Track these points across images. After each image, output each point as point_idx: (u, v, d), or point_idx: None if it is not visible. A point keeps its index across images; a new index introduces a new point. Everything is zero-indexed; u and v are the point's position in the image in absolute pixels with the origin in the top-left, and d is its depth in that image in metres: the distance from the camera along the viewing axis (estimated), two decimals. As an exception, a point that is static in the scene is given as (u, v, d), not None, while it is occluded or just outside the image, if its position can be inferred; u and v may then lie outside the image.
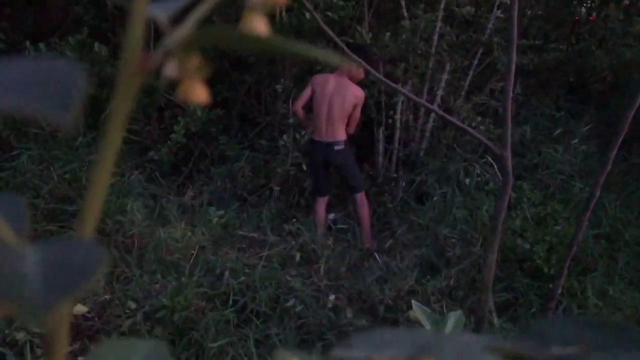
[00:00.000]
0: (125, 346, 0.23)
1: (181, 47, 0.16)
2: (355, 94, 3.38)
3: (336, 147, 3.42)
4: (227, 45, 0.17)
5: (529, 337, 0.21)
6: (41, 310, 0.13)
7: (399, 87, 2.47)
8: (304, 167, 3.84)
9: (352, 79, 3.39)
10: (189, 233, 3.25)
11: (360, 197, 3.53)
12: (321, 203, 3.61)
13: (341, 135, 3.43)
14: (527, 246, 3.13)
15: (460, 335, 0.21)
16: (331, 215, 3.78)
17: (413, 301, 0.95)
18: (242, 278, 3.03)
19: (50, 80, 0.15)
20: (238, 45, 0.18)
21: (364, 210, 3.53)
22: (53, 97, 0.14)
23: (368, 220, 3.55)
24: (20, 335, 2.52)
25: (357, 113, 3.44)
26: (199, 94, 0.17)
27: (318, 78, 3.45)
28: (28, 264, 0.15)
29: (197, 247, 3.20)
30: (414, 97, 2.25)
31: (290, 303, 2.99)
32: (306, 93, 3.44)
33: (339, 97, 3.36)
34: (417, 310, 0.90)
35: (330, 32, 2.21)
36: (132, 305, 2.73)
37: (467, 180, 3.74)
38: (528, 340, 0.21)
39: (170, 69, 0.17)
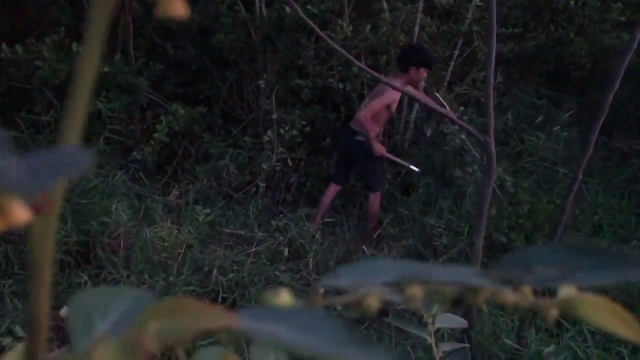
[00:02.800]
0: (110, 293, 0.22)
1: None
2: (382, 91, 3.32)
3: (357, 137, 3.38)
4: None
5: (516, 263, 0.22)
6: (26, 193, 0.13)
7: (382, 77, 2.48)
8: (289, 163, 3.83)
9: (411, 82, 3.31)
10: (176, 232, 3.23)
11: (373, 197, 3.48)
12: (331, 189, 3.57)
13: (368, 129, 3.37)
14: (507, 232, 3.17)
15: (449, 265, 0.21)
16: (317, 210, 3.78)
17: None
18: (231, 275, 3.02)
19: None
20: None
21: (372, 211, 3.49)
22: None
23: (372, 221, 3.50)
24: (7, 341, 2.49)
25: (375, 103, 3.34)
26: (178, 8, 0.16)
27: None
28: (9, 163, 0.14)
29: (184, 246, 3.18)
30: (398, 87, 2.26)
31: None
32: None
33: (374, 93, 3.41)
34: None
35: (313, 25, 2.20)
36: (120, 305, 2.70)
37: (452, 170, 3.76)
38: (515, 266, 0.21)
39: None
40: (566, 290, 0.21)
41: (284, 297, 0.20)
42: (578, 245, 0.21)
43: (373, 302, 0.20)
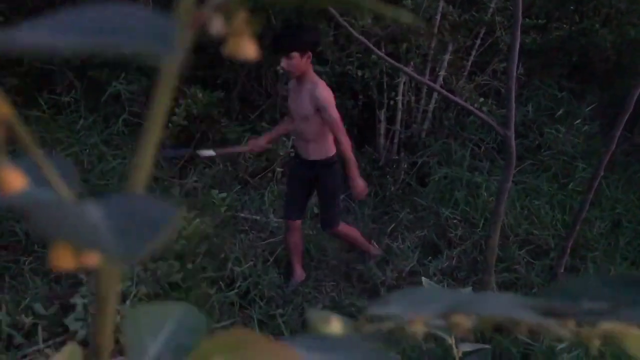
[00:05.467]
0: (159, 310, 0.23)
1: (230, 2, 0.16)
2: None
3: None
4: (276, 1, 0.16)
5: (560, 294, 0.22)
6: (121, 261, 0.13)
7: (401, 66, 2.45)
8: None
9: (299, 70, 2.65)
10: (193, 217, 3.26)
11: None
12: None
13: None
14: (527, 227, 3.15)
15: (494, 294, 0.22)
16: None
17: (423, 278, 0.96)
18: (246, 263, 3.05)
19: (143, 23, 0.14)
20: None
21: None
22: (153, 38, 0.14)
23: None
24: (28, 319, 2.54)
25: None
26: (248, 49, 0.17)
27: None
28: (90, 215, 0.15)
29: (200, 230, 3.21)
30: (417, 76, 2.24)
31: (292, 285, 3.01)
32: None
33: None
34: (426, 286, 0.91)
35: (333, 11, 2.19)
36: (142, 290, 2.74)
37: (469, 162, 3.74)
38: (559, 297, 0.21)
39: (218, 25, 0.17)
40: (610, 322, 0.21)
41: (335, 325, 0.21)
42: (626, 278, 0.21)
43: (419, 329, 0.20)
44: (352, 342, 0.19)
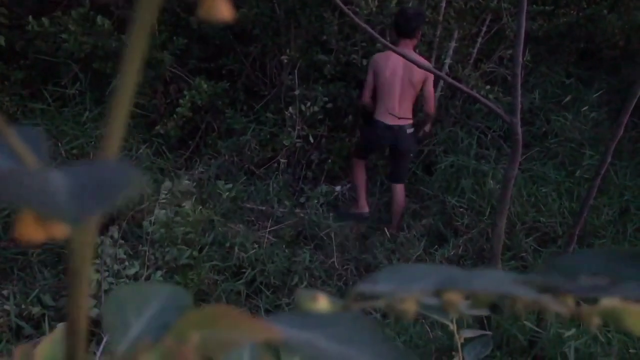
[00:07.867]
0: (144, 290, 0.23)
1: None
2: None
3: (408, 131, 3.32)
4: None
5: (558, 269, 0.21)
6: (71, 222, 0.13)
7: (406, 54, 2.43)
8: (311, 139, 3.81)
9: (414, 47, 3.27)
10: (199, 207, 3.26)
11: (402, 188, 3.41)
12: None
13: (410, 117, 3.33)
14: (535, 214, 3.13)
15: (488, 270, 0.21)
16: (337, 188, 3.78)
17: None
18: (252, 251, 3.05)
19: None
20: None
21: (401, 200, 3.42)
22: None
23: (401, 212, 3.43)
24: (36, 310, 2.56)
25: (431, 88, 3.32)
26: (222, 11, 0.16)
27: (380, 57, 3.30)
28: (53, 181, 0.14)
29: (207, 220, 3.22)
30: (423, 65, 2.21)
31: (299, 274, 3.02)
32: (370, 80, 3.32)
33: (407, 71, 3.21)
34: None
35: (338, 0, 2.17)
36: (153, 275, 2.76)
37: (476, 150, 3.71)
38: (557, 273, 0.21)
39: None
40: (609, 299, 0.20)
41: (322, 302, 0.20)
42: (626, 253, 0.20)
43: (410, 307, 0.19)
44: (338, 318, 0.18)
